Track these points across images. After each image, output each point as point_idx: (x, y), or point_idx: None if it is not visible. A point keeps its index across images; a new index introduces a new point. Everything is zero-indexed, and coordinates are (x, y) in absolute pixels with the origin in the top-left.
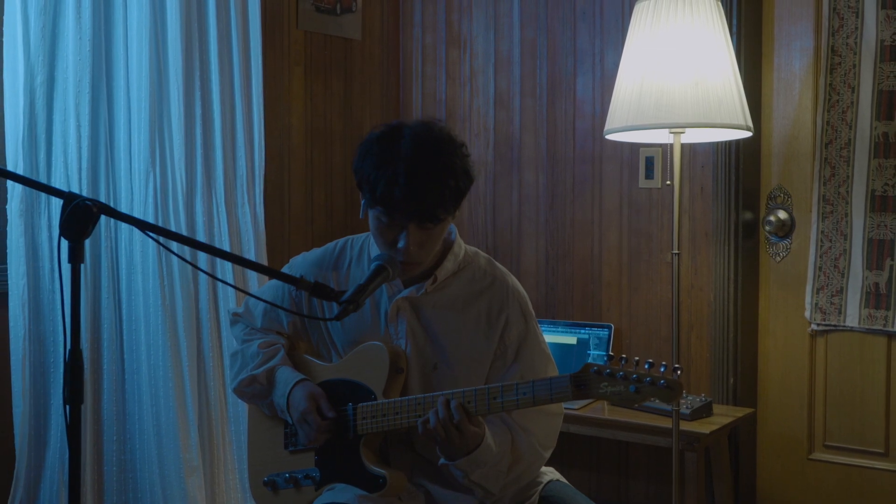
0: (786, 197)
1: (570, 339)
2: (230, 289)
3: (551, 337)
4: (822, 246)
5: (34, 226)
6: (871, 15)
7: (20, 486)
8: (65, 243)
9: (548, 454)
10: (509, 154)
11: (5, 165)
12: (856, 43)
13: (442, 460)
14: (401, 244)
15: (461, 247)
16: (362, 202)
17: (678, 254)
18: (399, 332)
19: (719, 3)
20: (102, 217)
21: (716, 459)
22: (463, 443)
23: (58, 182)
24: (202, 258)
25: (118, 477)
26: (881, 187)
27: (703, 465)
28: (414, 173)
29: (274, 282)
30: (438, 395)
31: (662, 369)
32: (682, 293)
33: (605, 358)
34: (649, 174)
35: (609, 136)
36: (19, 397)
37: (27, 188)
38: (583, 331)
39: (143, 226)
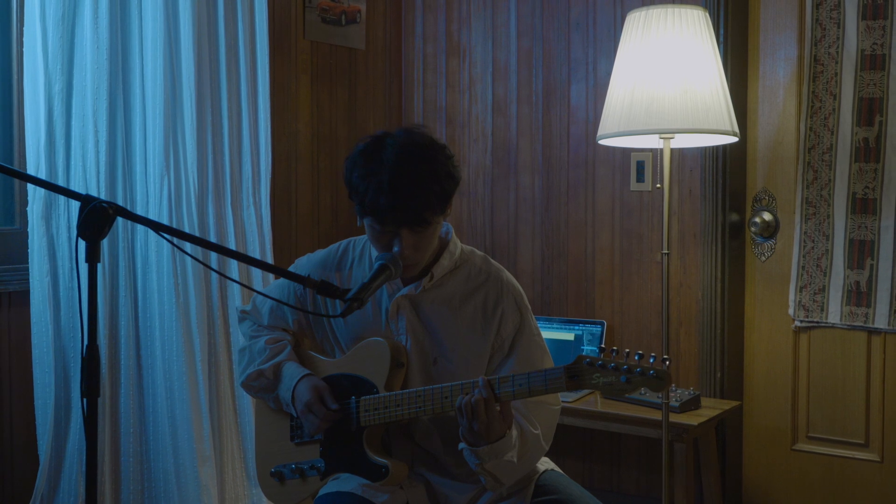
0: (770, 199)
1: (568, 336)
2: (238, 287)
3: (547, 333)
4: (805, 246)
5: (54, 227)
6: (852, 25)
7: (44, 477)
8: (82, 244)
9: (548, 446)
10: (506, 158)
11: (26, 169)
12: (837, 52)
13: (462, 445)
14: (396, 249)
15: (457, 245)
16: (356, 212)
17: (668, 254)
18: (399, 329)
19: (707, 15)
20: (120, 218)
21: (704, 450)
22: (492, 425)
23: (76, 185)
24: (213, 258)
25: (135, 467)
26: (861, 190)
27: (692, 456)
28: (398, 181)
29: (280, 281)
30: (437, 388)
31: (652, 360)
32: (672, 291)
33: (598, 350)
34: (640, 178)
35: (602, 142)
36: (41, 391)
37: (48, 191)
38: (577, 327)
39: (157, 227)
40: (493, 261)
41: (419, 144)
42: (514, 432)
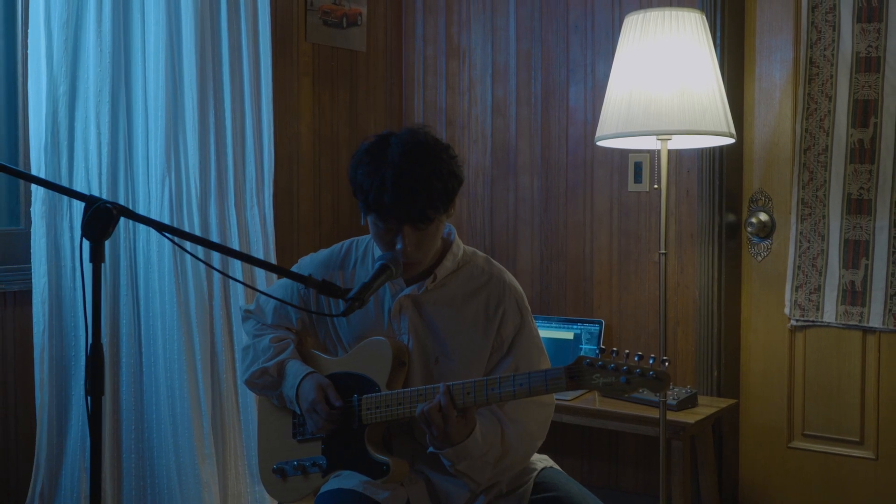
0: (767, 200)
1: (567, 335)
2: (240, 286)
3: (546, 332)
4: (800, 246)
5: (56, 227)
6: (847, 28)
7: (41, 473)
8: (86, 244)
9: (539, 443)
10: (506, 159)
11: (29, 171)
12: (833, 55)
13: (430, 449)
14: (398, 246)
15: (460, 247)
16: (361, 210)
17: (665, 254)
18: (402, 328)
19: (704, 17)
20: (121, 219)
21: (701, 448)
22: (449, 431)
23: (79, 186)
24: (215, 258)
25: (136, 464)
26: (856, 191)
27: (689, 453)
28: (401, 178)
29: (284, 280)
30: (438, 387)
31: (651, 361)
32: (669, 291)
33: (597, 351)
34: (638, 178)
35: (600, 143)
36: (40, 389)
37: (50, 192)
38: (575, 326)
39: (159, 227)
40: (494, 262)
41: (423, 143)
42: (484, 431)
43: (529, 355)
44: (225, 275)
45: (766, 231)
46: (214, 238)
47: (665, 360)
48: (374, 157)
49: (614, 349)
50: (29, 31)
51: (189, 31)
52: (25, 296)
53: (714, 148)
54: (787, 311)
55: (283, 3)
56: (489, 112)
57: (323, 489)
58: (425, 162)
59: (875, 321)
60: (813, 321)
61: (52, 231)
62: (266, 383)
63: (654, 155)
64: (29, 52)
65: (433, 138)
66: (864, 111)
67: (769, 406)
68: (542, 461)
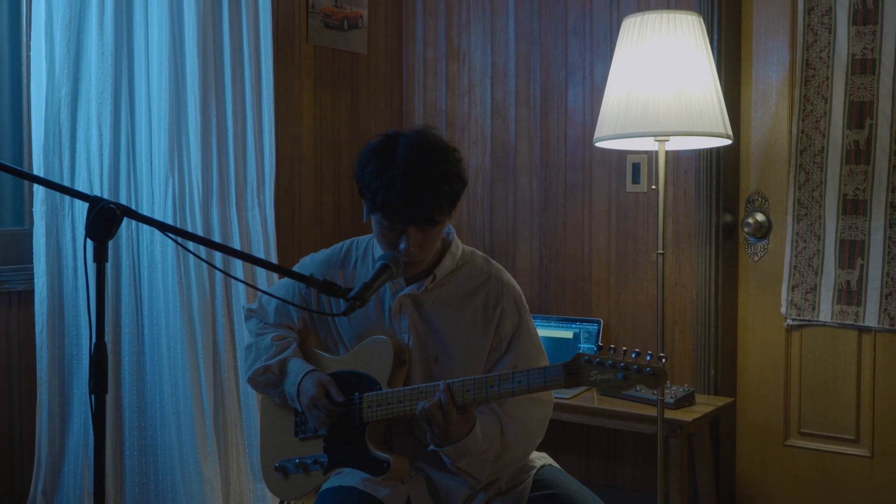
0: (763, 200)
1: (566, 334)
2: (242, 286)
3: (545, 331)
4: (797, 246)
5: (57, 227)
6: (843, 31)
7: (42, 470)
8: (90, 243)
9: (538, 440)
10: (505, 160)
11: (31, 171)
12: (828, 57)
13: (431, 446)
14: (402, 246)
15: (459, 246)
16: (365, 208)
17: (663, 254)
18: (402, 327)
19: (701, 20)
20: (124, 219)
21: (698, 445)
22: (449, 429)
23: (81, 186)
24: (217, 258)
25: (139, 461)
26: (852, 192)
27: (686, 451)
28: (410, 180)
29: (285, 280)
30: (439, 384)
31: (648, 358)
32: (667, 290)
33: (595, 349)
34: (636, 179)
35: (598, 144)
36: (41, 388)
37: (51, 192)
38: (574, 325)
39: (162, 227)
40: (493, 261)
41: (431, 145)
42: (484, 429)
43: (528, 353)
44: (227, 275)
45: (763, 231)
46: (216, 238)
47: (662, 357)
48: (382, 157)
49: (612, 346)
50: (31, 33)
51: (191, 33)
52: (30, 295)
53: (711, 149)
54: (783, 310)
55: (285, 5)
56: (489, 113)
57: (324, 486)
58: (433, 164)
59: (870, 320)
60: (809, 320)
61: (52, 231)
62: (268, 381)
63: (651, 156)
64: (31, 54)
65: (441, 140)
66: (860, 113)
67: (766, 404)
68: (540, 459)
